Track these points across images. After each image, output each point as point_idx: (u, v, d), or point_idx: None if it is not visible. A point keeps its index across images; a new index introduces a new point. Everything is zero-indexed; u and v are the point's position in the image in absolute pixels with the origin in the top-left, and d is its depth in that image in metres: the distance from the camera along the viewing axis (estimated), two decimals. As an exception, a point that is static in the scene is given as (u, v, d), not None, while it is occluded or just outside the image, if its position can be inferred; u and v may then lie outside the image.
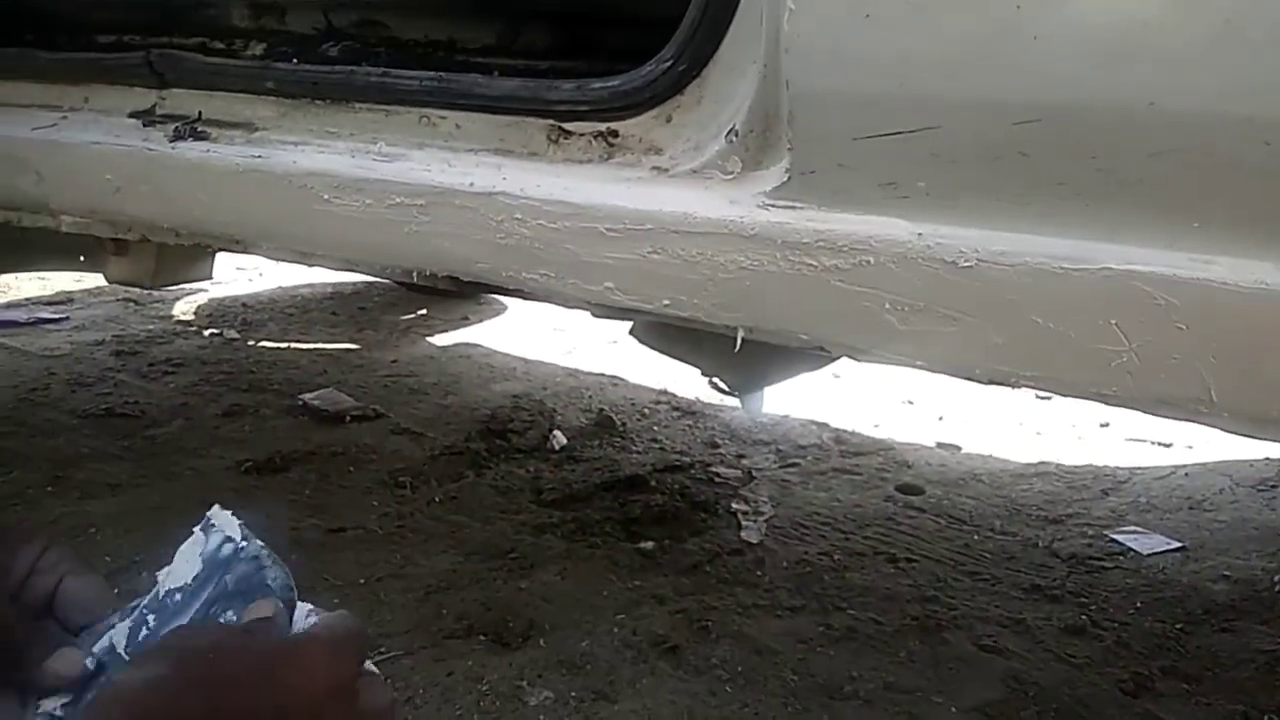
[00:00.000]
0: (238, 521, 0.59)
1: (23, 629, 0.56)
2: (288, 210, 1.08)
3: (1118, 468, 2.28)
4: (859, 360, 0.96)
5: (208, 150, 1.13)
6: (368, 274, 1.25)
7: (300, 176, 1.06)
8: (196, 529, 0.60)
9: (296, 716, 0.48)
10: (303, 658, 0.50)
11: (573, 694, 1.37)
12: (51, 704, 0.54)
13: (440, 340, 3.13)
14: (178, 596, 0.56)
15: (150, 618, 0.56)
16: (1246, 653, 1.54)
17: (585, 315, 1.38)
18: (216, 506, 0.60)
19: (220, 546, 0.58)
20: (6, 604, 0.56)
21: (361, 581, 1.64)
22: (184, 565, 0.58)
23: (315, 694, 0.49)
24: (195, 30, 1.33)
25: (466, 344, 3.09)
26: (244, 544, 0.58)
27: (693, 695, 1.38)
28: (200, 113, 1.18)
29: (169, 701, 0.46)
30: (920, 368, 0.89)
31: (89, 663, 0.54)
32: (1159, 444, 2.42)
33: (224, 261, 2.86)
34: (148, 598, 0.57)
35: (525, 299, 1.14)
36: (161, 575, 0.58)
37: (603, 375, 2.81)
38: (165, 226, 1.24)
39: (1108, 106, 0.68)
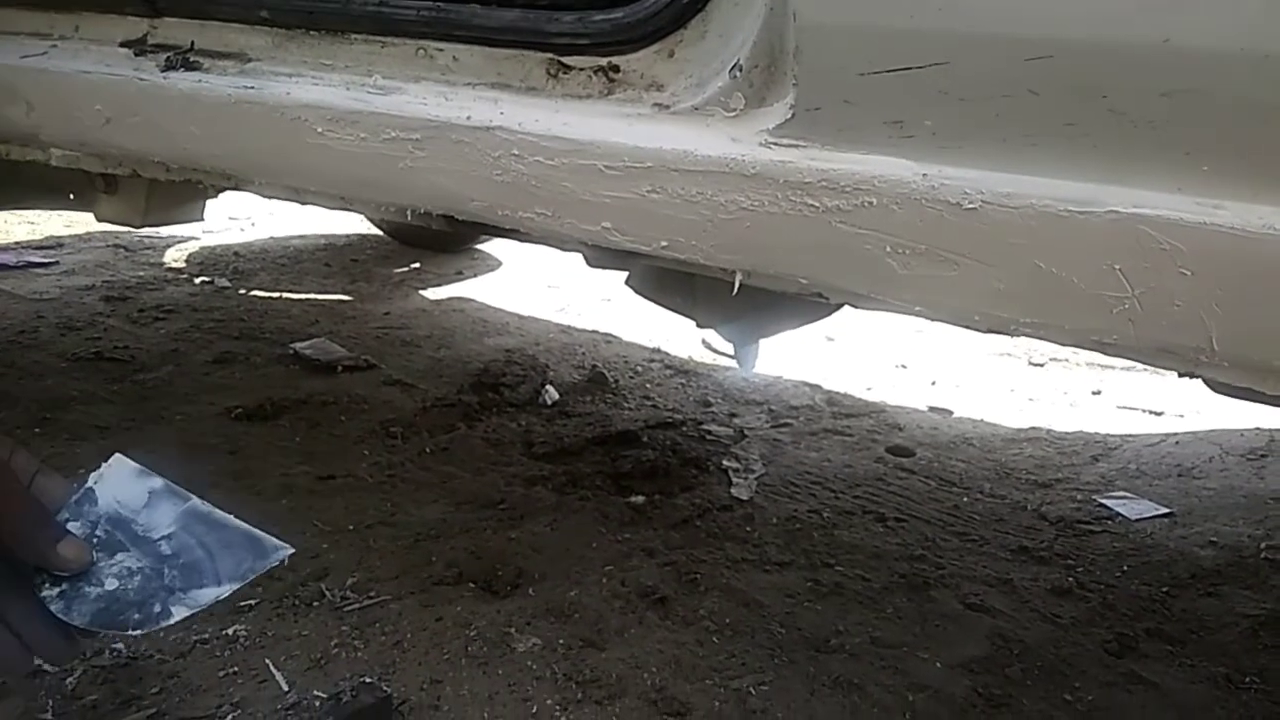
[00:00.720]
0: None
1: (30, 511, 0.68)
2: (280, 143, 1.06)
3: (1108, 435, 2.28)
4: (858, 307, 0.95)
5: (199, 81, 1.11)
6: (362, 213, 1.23)
7: (293, 109, 1.04)
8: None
9: None
10: None
11: (560, 641, 1.38)
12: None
13: (434, 294, 3.11)
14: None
15: None
16: (1231, 616, 1.55)
17: (579, 272, 1.37)
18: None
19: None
20: (27, 497, 0.68)
21: (351, 528, 1.64)
22: None
23: None
24: (188, -41, 1.31)
25: (460, 298, 3.07)
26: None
27: (680, 645, 1.39)
28: (193, 42, 1.15)
29: None
30: (919, 314, 0.88)
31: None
32: (1150, 412, 2.43)
33: (216, 210, 2.83)
34: None
35: (521, 239, 1.13)
36: None
37: (596, 332, 2.80)
38: (155, 160, 1.22)
39: (1122, 43, 0.67)
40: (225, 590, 0.71)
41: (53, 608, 0.68)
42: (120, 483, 0.73)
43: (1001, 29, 0.70)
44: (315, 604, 1.43)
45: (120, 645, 1.30)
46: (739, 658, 1.37)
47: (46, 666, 1.21)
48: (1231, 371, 0.75)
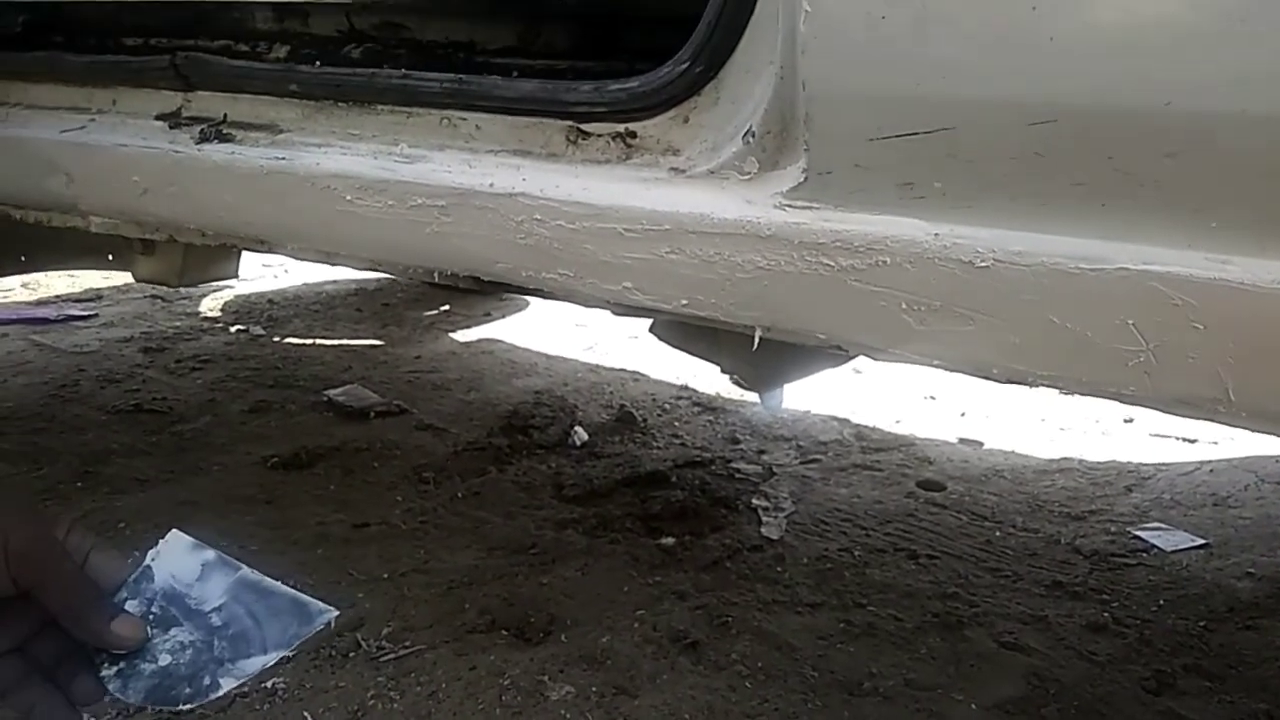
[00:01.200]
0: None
1: (85, 590, 0.69)
2: (311, 211, 1.09)
3: (1141, 464, 2.26)
4: (876, 359, 0.96)
5: (233, 152, 1.15)
6: (390, 274, 1.26)
7: (323, 178, 1.07)
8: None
9: None
10: None
11: (594, 689, 1.39)
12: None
13: (463, 336, 3.15)
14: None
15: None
16: (1270, 650, 1.53)
17: (606, 312, 1.39)
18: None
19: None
20: (80, 576, 0.69)
21: (385, 576, 1.66)
22: None
23: None
24: (220, 33, 1.35)
25: (489, 340, 3.11)
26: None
27: (713, 691, 1.39)
28: (225, 115, 1.20)
29: None
30: (938, 367, 0.89)
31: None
32: (1183, 440, 2.40)
33: (250, 259, 2.89)
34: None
35: (545, 298, 1.15)
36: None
37: (624, 371, 2.82)
38: (191, 227, 1.26)
39: (1124, 107, 0.68)
40: (271, 658, 0.73)
41: (110, 686, 0.70)
42: (176, 558, 0.75)
43: (1004, 95, 0.71)
44: (352, 655, 1.45)
45: (163, 700, 1.33)
46: (772, 703, 1.38)
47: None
48: (1250, 421, 0.75)
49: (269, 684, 1.37)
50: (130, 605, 0.71)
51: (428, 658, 1.45)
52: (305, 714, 1.32)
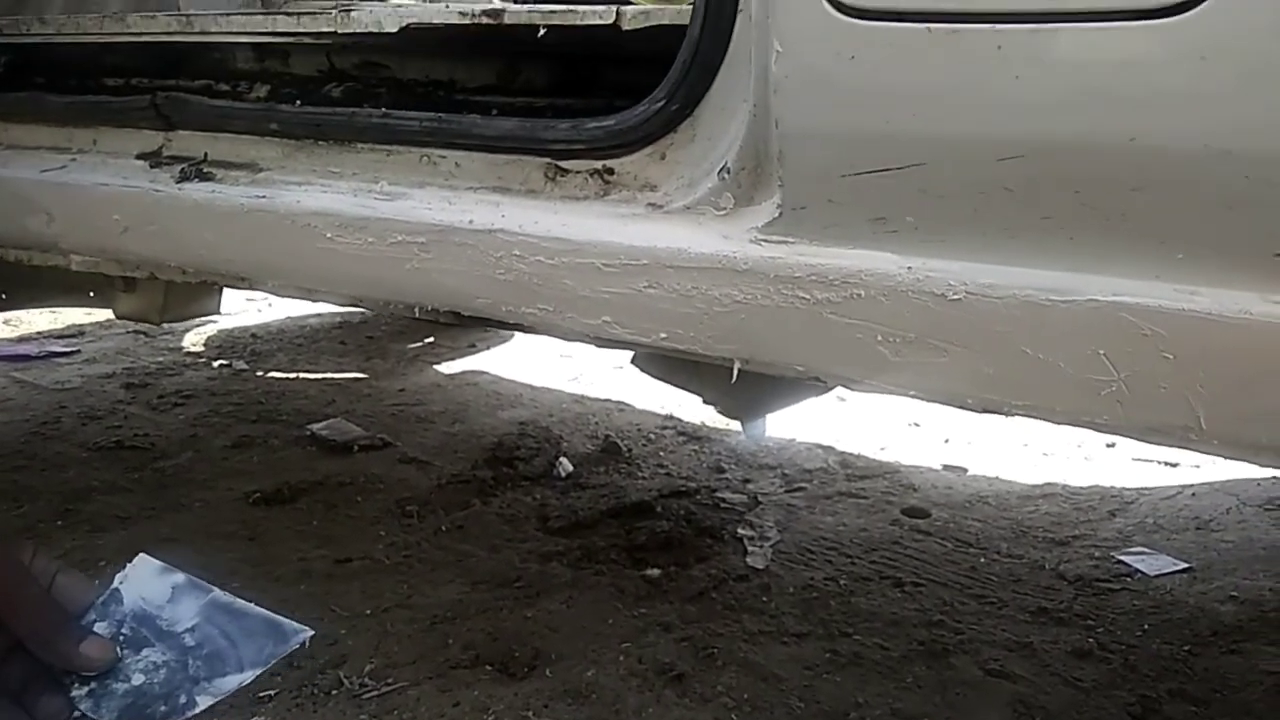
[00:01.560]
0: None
1: (51, 613, 0.69)
2: (292, 249, 1.10)
3: (1124, 488, 2.27)
4: (854, 390, 0.97)
5: (213, 191, 1.16)
6: (372, 309, 1.27)
7: (304, 216, 1.08)
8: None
9: None
10: None
11: (579, 724, 1.38)
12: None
13: (447, 368, 3.15)
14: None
15: None
16: (1255, 674, 1.53)
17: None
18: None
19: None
20: (46, 599, 0.69)
21: (368, 612, 1.65)
22: None
23: None
24: (201, 73, 1.36)
25: (473, 371, 3.11)
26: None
27: (699, 724, 1.39)
28: (206, 154, 1.20)
29: None
30: (914, 397, 0.90)
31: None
32: (1166, 464, 2.42)
33: (233, 293, 2.89)
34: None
35: (526, 333, 1.16)
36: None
37: (609, 401, 2.82)
38: (172, 265, 1.26)
39: (1088, 142, 0.70)
40: (248, 676, 0.73)
41: (82, 706, 0.70)
42: (145, 581, 0.76)
43: (972, 132, 0.73)
44: (334, 692, 1.43)
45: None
46: (758, 734, 1.37)
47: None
48: (1222, 449, 0.77)
49: (251, 724, 1.35)
50: (99, 627, 0.71)
51: (411, 694, 1.44)
52: None
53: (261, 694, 1.42)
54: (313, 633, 0.75)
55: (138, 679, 0.71)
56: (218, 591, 0.76)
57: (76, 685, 0.70)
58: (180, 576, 0.76)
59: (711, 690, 1.46)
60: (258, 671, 0.73)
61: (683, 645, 1.57)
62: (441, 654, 1.54)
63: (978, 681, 1.51)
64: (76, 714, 0.70)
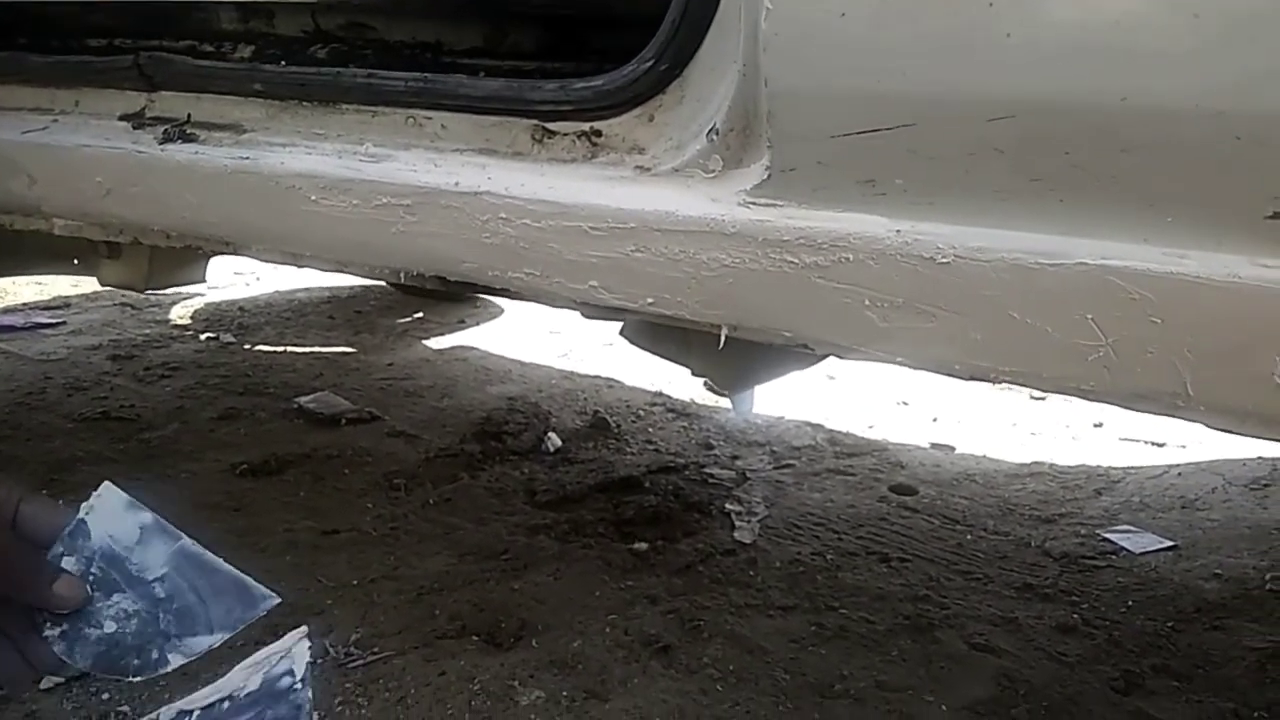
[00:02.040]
0: (306, 659, 0.72)
1: (20, 552, 0.67)
2: (276, 211, 1.08)
3: (1111, 467, 2.28)
4: (842, 358, 0.97)
5: (197, 152, 1.14)
6: (357, 275, 1.26)
7: (288, 178, 1.06)
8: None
9: None
10: None
11: (564, 693, 1.38)
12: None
13: (436, 343, 3.13)
14: (225, 705, 0.70)
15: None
16: (1238, 650, 1.54)
17: (580, 318, 1.39)
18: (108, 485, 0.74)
19: (280, 678, 0.71)
20: (13, 539, 0.67)
21: (355, 583, 1.65)
22: (241, 675, 0.72)
23: None
24: (185, 33, 1.34)
25: (462, 347, 3.10)
26: (299, 686, 0.70)
27: (684, 694, 1.39)
28: (189, 115, 1.19)
29: None
30: (901, 364, 0.89)
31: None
32: (1152, 444, 2.43)
33: (220, 266, 2.87)
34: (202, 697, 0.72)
35: (512, 298, 1.15)
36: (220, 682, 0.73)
37: (598, 378, 2.82)
38: (156, 229, 1.25)
39: (1080, 103, 0.69)
40: (218, 639, 0.72)
41: (55, 649, 0.69)
42: (112, 515, 0.74)
43: (962, 91, 0.72)
44: (319, 661, 1.43)
45: (125, 708, 1.31)
46: (743, 706, 1.37)
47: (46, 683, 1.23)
48: (1208, 415, 0.76)
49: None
50: (67, 562, 0.70)
51: (396, 664, 1.44)
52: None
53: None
54: (280, 600, 0.74)
55: (109, 626, 0.70)
56: (186, 540, 0.75)
57: (49, 626, 0.69)
58: (148, 516, 0.75)
59: (697, 662, 1.46)
60: (226, 635, 0.72)
61: (669, 618, 1.58)
62: (428, 624, 1.53)
63: (962, 655, 1.51)
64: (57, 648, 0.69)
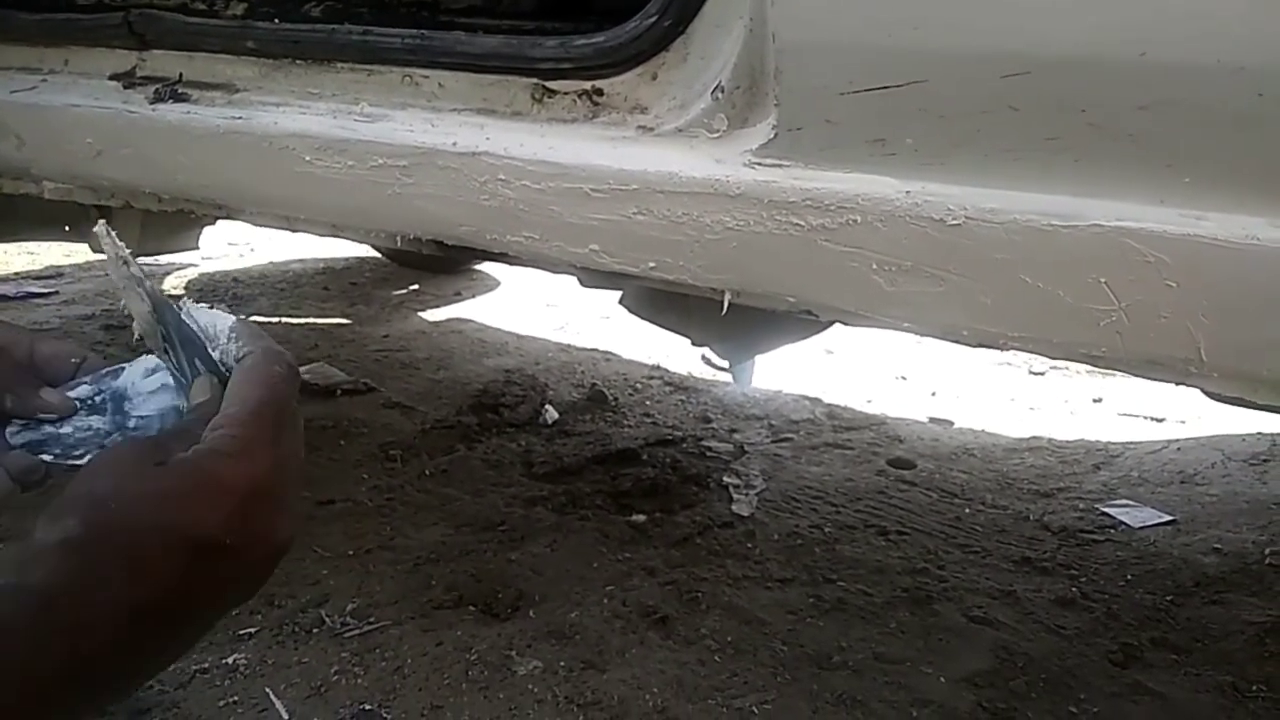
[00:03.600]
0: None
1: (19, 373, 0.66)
2: (269, 173, 1.06)
3: (1110, 442, 2.28)
4: (847, 324, 0.95)
5: (188, 112, 1.11)
6: (352, 239, 1.24)
7: (281, 138, 1.04)
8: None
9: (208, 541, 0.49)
10: (198, 496, 0.50)
11: (561, 663, 1.37)
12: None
13: (432, 315, 3.11)
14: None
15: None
16: (1236, 624, 1.54)
17: (577, 291, 1.37)
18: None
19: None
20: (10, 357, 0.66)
21: (350, 553, 1.64)
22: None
23: (218, 523, 0.50)
24: (176, -9, 1.31)
25: (459, 319, 3.08)
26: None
27: (682, 665, 1.38)
28: (181, 74, 1.16)
29: (86, 563, 0.47)
30: (907, 331, 0.88)
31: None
32: (1151, 419, 2.42)
33: (215, 236, 2.84)
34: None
35: (510, 263, 1.13)
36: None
37: (595, 351, 2.80)
38: (147, 191, 1.22)
39: (1098, 58, 0.67)
40: None
41: (13, 440, 0.67)
42: (144, 374, 0.72)
43: (977, 46, 0.70)
44: (315, 631, 1.42)
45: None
46: (741, 676, 1.37)
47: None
48: (1221, 382, 0.75)
49: (229, 659, 1.34)
50: (82, 389, 0.69)
51: (393, 633, 1.43)
52: (267, 689, 1.29)
53: (241, 631, 1.41)
54: None
55: (66, 429, 0.69)
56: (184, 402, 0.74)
57: (12, 424, 0.67)
58: (171, 383, 0.73)
59: (695, 633, 1.46)
60: None
61: (667, 589, 1.57)
62: (424, 594, 1.52)
63: (961, 628, 1.51)
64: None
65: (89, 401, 0.69)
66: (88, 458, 0.66)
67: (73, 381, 0.68)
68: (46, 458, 0.66)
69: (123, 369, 0.70)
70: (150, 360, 0.70)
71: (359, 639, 1.41)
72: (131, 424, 0.68)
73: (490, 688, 1.32)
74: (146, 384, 0.69)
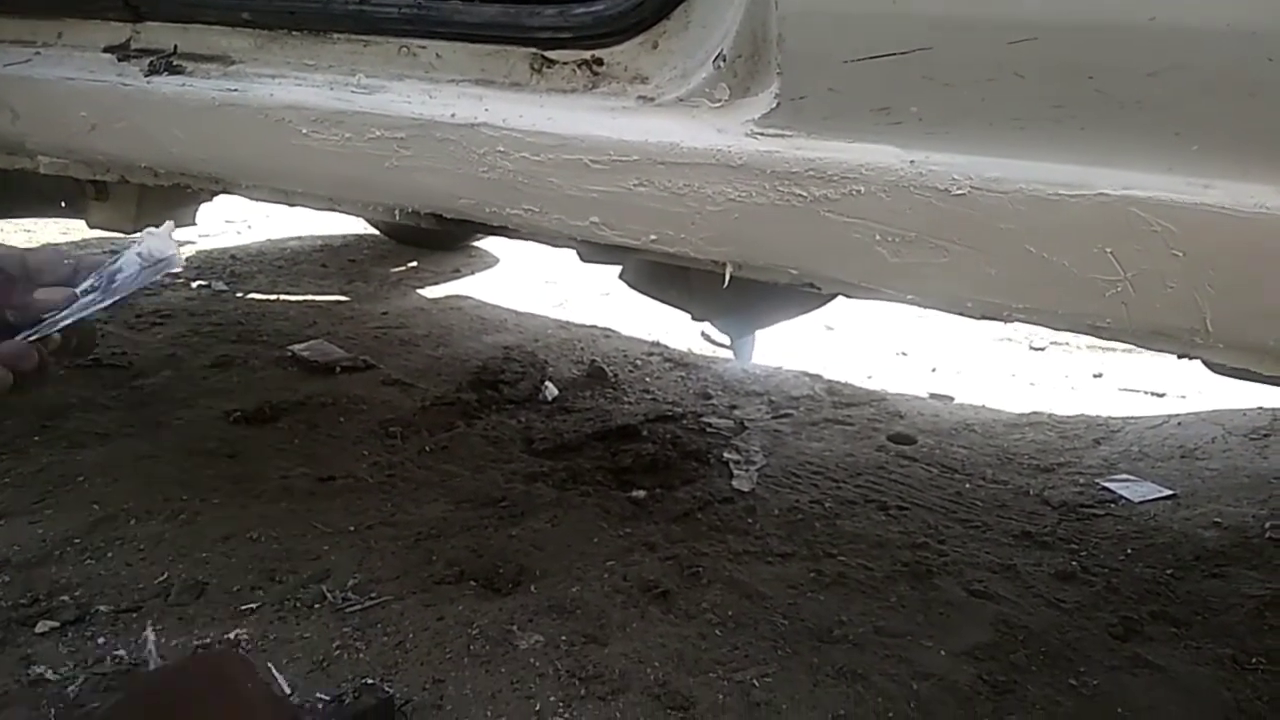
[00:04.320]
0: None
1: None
2: (265, 145, 1.05)
3: (1110, 417, 2.27)
4: (850, 296, 0.94)
5: (183, 84, 1.10)
6: (350, 213, 1.23)
7: (277, 110, 1.03)
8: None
9: None
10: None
11: (563, 638, 1.37)
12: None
13: (431, 292, 3.10)
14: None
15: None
16: (1236, 597, 1.54)
17: (577, 267, 1.36)
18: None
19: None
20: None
21: (351, 529, 1.64)
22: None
23: None
24: (170, -38, 1.30)
25: (458, 296, 3.07)
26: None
27: (683, 639, 1.38)
28: (175, 46, 1.15)
29: None
30: (911, 302, 0.87)
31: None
32: (1152, 394, 2.42)
33: (212, 213, 2.83)
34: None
35: (511, 236, 1.12)
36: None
37: (595, 327, 2.79)
38: (142, 165, 1.21)
39: (1106, 22, 0.66)
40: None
41: None
42: (159, 243, 0.84)
43: (984, 12, 0.69)
44: (317, 606, 1.42)
45: (121, 652, 1.30)
46: (742, 650, 1.37)
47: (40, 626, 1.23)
48: (1227, 353, 0.74)
49: (231, 634, 1.34)
50: (89, 282, 0.81)
51: (395, 608, 1.43)
52: (269, 665, 1.29)
53: (243, 607, 1.41)
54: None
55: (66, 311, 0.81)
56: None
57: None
58: (168, 265, 0.83)
59: (696, 607, 1.46)
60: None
61: (668, 564, 1.57)
62: (425, 570, 1.53)
63: (961, 601, 1.51)
64: None
65: (91, 289, 0.80)
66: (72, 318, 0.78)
67: (80, 279, 0.80)
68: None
69: (120, 255, 0.82)
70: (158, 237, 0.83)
71: (361, 614, 1.41)
72: (116, 283, 0.80)
73: (492, 662, 1.32)
74: (139, 257, 0.82)
